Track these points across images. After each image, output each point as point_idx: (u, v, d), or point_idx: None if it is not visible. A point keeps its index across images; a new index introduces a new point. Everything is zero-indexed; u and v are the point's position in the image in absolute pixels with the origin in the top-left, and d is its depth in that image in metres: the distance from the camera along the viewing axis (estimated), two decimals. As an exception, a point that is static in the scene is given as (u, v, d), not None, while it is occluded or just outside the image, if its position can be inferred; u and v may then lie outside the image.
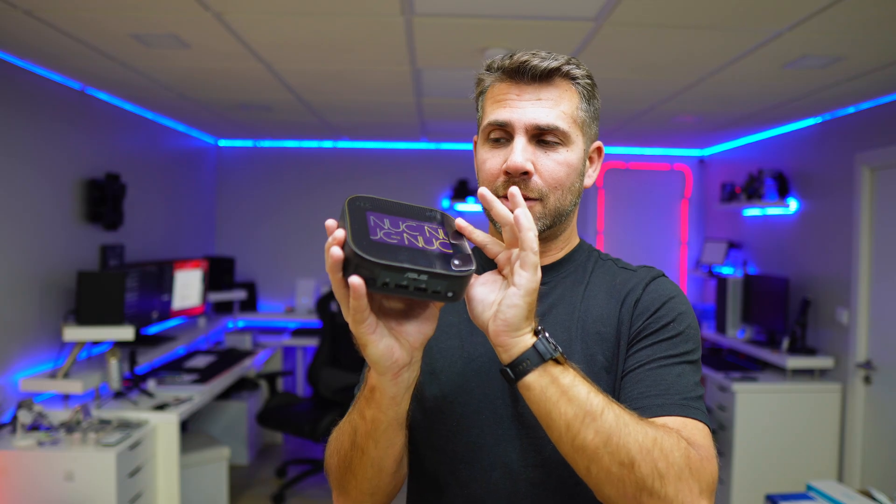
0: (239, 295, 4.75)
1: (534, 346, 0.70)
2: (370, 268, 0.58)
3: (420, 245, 0.62)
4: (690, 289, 5.40)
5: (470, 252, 0.65)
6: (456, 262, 0.62)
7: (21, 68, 2.79)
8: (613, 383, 0.88)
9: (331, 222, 0.65)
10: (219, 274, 4.70)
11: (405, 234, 0.63)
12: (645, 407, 0.79)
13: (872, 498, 2.03)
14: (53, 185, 3.03)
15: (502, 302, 0.69)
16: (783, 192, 4.01)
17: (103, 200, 3.33)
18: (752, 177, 4.26)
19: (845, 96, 3.16)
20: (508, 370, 0.71)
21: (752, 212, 4.50)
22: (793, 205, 3.97)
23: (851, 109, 3.44)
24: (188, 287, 4.06)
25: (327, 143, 5.23)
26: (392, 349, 0.67)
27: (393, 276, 0.59)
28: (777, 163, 4.18)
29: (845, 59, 2.52)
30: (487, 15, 2.14)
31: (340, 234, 0.61)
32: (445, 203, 5.22)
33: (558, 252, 0.97)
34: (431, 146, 5.21)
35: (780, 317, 3.82)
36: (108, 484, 2.44)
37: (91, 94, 3.33)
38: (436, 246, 0.63)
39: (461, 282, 0.62)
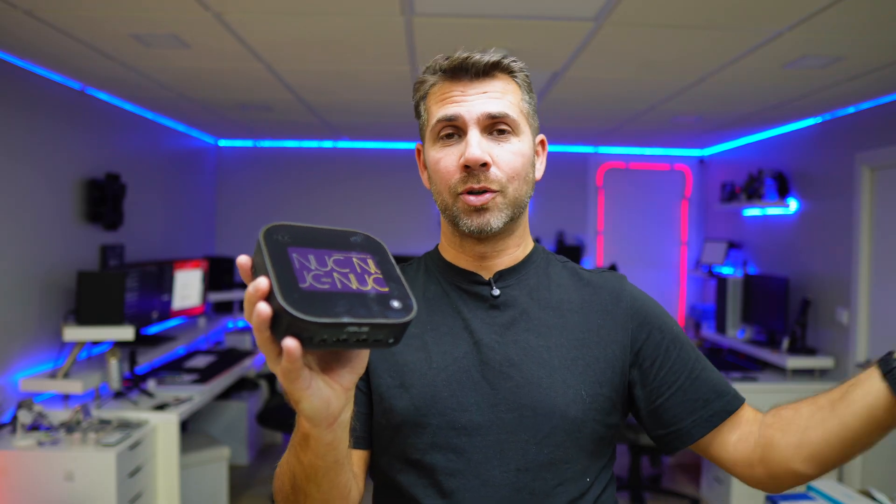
0: (239, 295, 4.75)
1: None
2: (305, 327, 0.50)
3: (354, 287, 0.54)
4: (690, 289, 5.40)
5: (406, 286, 0.58)
6: (395, 303, 0.55)
7: (21, 68, 2.79)
8: (597, 386, 0.89)
9: (244, 261, 0.56)
10: (219, 274, 4.70)
11: (335, 275, 0.55)
12: (719, 410, 0.92)
13: (872, 498, 2.03)
14: (53, 185, 3.03)
15: None
16: (783, 192, 4.00)
17: (103, 200, 3.33)
18: (752, 177, 4.26)
19: (845, 96, 3.16)
20: None
21: (752, 212, 4.50)
22: (793, 205, 3.97)
23: (851, 109, 3.44)
24: (188, 287, 4.06)
25: (327, 143, 5.23)
26: (328, 401, 0.59)
27: (332, 333, 0.51)
28: (777, 163, 4.18)
29: (845, 59, 2.52)
30: (487, 15, 2.14)
31: (263, 284, 0.51)
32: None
33: (516, 250, 0.96)
34: (431, 146, 5.20)
35: (780, 317, 3.82)
36: (108, 484, 2.44)
37: (91, 94, 3.33)
38: (370, 285, 0.56)
39: (404, 327, 0.54)
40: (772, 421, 0.90)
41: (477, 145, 0.87)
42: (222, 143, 5.24)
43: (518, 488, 0.85)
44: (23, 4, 2.08)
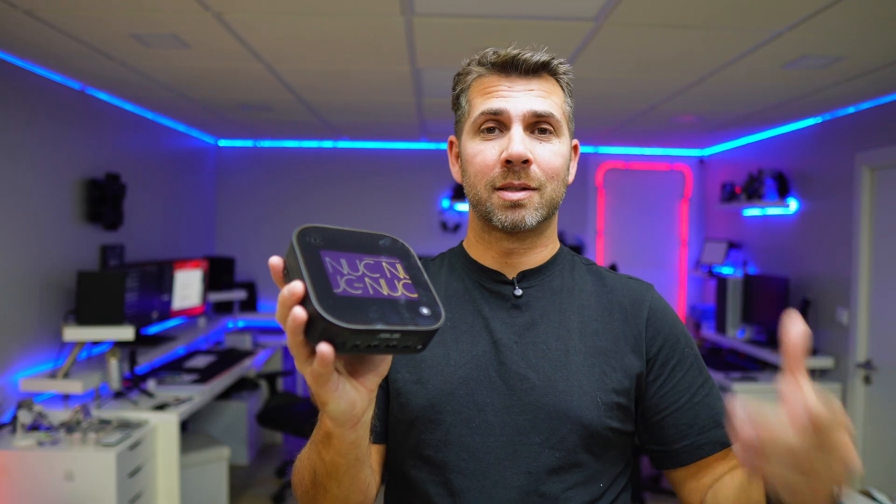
0: (239, 295, 4.75)
1: None
2: (339, 333, 0.51)
3: (385, 293, 0.55)
4: (690, 289, 5.40)
5: (433, 291, 0.59)
6: (424, 310, 0.55)
7: (21, 68, 2.79)
8: (612, 394, 0.89)
9: (275, 262, 0.56)
10: (219, 274, 4.70)
11: (367, 280, 0.56)
12: (713, 441, 0.89)
13: (872, 498, 2.02)
14: (53, 185, 3.03)
15: None
16: (783, 192, 4.01)
17: (103, 200, 3.33)
18: (752, 177, 4.26)
19: (845, 96, 3.16)
20: None
21: (752, 212, 4.50)
22: (793, 205, 3.98)
23: (851, 109, 3.44)
24: (188, 287, 4.06)
25: (327, 143, 5.23)
26: (354, 403, 0.60)
27: (364, 339, 0.52)
28: (777, 163, 4.18)
29: (845, 59, 2.52)
30: (487, 15, 2.14)
31: (299, 288, 0.51)
32: (445, 203, 5.22)
33: (543, 249, 0.96)
34: (431, 146, 5.20)
35: (780, 317, 3.81)
36: (108, 484, 2.44)
37: (91, 94, 3.33)
38: (400, 291, 0.57)
39: (433, 334, 0.55)
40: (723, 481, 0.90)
41: (521, 141, 0.87)
42: (222, 143, 5.24)
43: (528, 491, 0.85)
44: (23, 4, 2.08)
